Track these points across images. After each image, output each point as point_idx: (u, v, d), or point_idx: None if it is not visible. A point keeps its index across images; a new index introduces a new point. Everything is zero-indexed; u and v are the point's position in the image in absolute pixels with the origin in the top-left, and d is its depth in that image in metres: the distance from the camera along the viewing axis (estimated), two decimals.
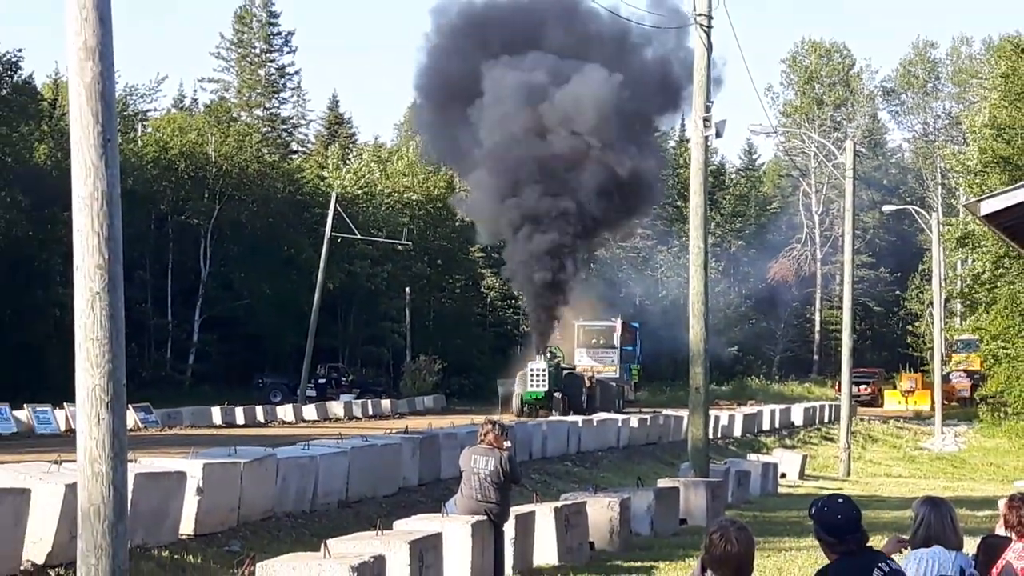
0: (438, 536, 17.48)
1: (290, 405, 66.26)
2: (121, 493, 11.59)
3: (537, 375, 66.00)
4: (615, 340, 79.01)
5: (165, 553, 19.55)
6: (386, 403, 72.23)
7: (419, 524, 18.47)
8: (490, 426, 19.03)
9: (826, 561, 9.25)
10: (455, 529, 18.43)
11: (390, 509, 22.96)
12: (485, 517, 18.67)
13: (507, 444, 18.58)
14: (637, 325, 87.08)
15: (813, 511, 9.13)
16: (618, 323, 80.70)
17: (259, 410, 61.26)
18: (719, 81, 57.81)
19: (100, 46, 11.48)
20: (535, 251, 70.27)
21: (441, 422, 43.84)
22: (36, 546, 17.71)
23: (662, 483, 29.82)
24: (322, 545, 15.56)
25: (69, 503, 16.40)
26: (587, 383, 69.57)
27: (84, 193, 11.49)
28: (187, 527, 20.89)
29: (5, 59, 77.65)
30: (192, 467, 21.61)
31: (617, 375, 76.83)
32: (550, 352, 70.77)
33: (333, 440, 29.93)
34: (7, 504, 17.25)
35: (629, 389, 79.57)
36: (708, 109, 31.21)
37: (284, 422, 60.34)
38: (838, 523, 8.87)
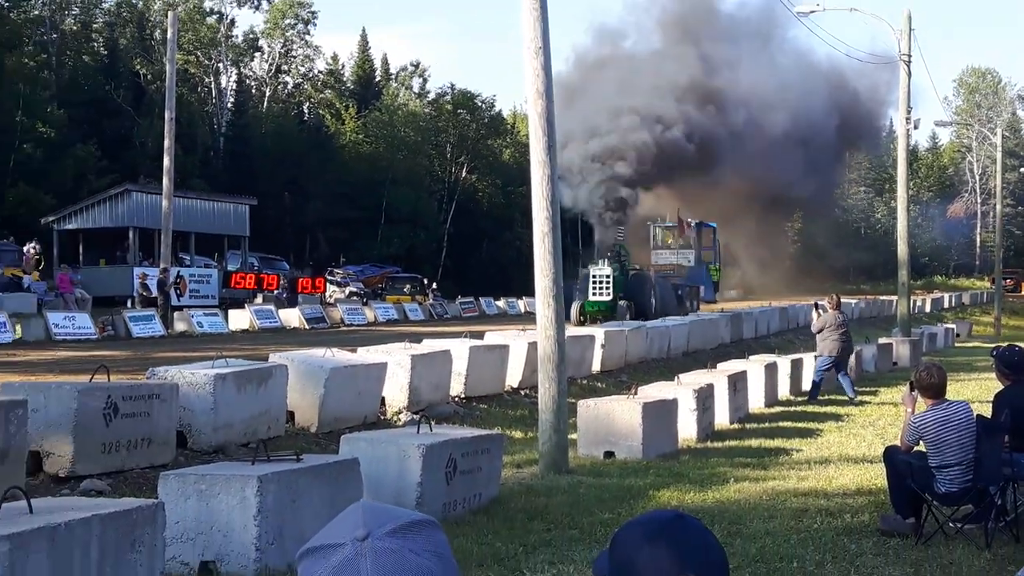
0: (744, 372, 17.36)
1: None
2: (561, 347, 11.85)
3: (600, 282, 37.55)
4: (691, 241, 50.58)
5: (584, 382, 19.95)
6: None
7: (732, 365, 18.35)
8: (836, 297, 19.77)
9: (996, 388, 9.03)
10: (755, 367, 18.30)
11: (713, 357, 22.84)
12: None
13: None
14: (714, 225, 54.24)
15: (996, 352, 9.07)
16: (691, 223, 51.94)
17: None
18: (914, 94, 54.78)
19: (546, 89, 11.68)
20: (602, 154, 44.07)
21: (741, 305, 43.27)
22: (511, 377, 18.26)
23: (882, 340, 28.92)
24: (676, 377, 15.63)
25: (531, 353, 16.83)
26: (654, 284, 40.02)
27: (537, 177, 11.73)
28: (596, 367, 21.25)
29: (486, 100, 79.16)
30: (598, 333, 22.01)
31: (674, 274, 46.30)
32: (616, 251, 40.68)
33: (679, 316, 30.25)
34: (496, 354, 17.84)
35: (707, 290, 48.85)
36: (909, 111, 31.17)
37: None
38: (1014, 361, 8.80)
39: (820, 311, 19.38)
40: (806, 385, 20.88)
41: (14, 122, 50.60)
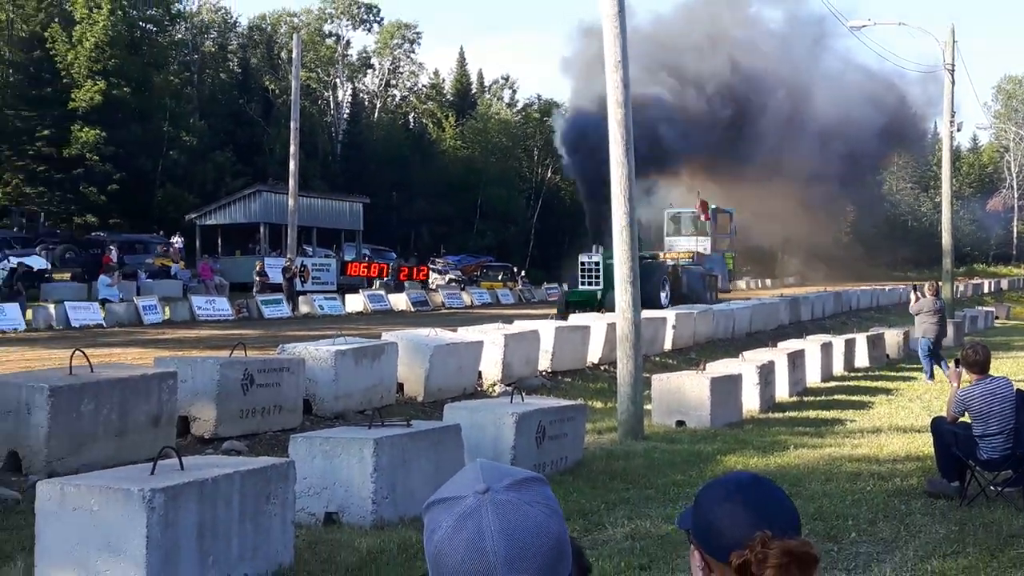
0: (802, 350, 17.11)
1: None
2: (638, 328, 11.80)
3: (590, 271, 29.56)
4: (707, 227, 41.80)
5: (657, 359, 19.76)
6: (768, 281, 69.19)
7: (791, 344, 18.10)
8: (935, 284, 18.94)
9: None
10: (812, 346, 18.01)
11: (774, 336, 22.53)
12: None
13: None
14: (732, 211, 45.06)
15: None
16: (702, 208, 42.88)
17: None
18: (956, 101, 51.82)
19: (624, 99, 11.59)
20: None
21: (799, 290, 42.45)
22: (592, 354, 18.20)
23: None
24: (740, 355, 15.47)
25: (610, 333, 16.78)
26: (669, 273, 32.19)
27: (616, 176, 11.67)
28: (667, 345, 21.05)
29: (569, 108, 78.51)
30: (670, 315, 21.82)
31: (695, 262, 37.69)
32: None
33: (742, 300, 29.82)
34: (578, 334, 17.80)
35: (723, 278, 39.83)
36: (953, 116, 30.21)
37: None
38: None
39: (918, 295, 18.60)
40: (859, 362, 20.55)
41: (162, 132, 51.80)
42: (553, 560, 1.23)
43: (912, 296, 19.00)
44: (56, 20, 51.21)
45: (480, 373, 14.89)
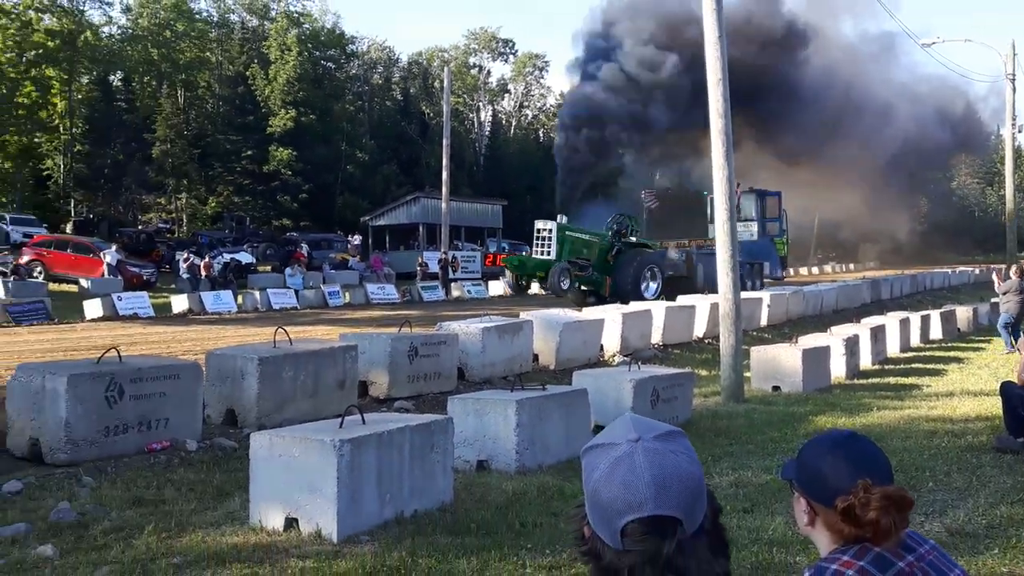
0: (883, 325, 16.45)
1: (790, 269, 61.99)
2: (738, 307, 11.55)
3: (544, 238, 22.85)
4: (752, 211, 31.44)
5: (754, 333, 19.17)
6: (851, 266, 65.70)
7: (873, 320, 17.38)
8: (1020, 267, 16.75)
9: None
10: (892, 321, 17.29)
11: (857, 313, 21.66)
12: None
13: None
14: (779, 193, 34.02)
15: None
16: (747, 188, 31.11)
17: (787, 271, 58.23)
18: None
19: (724, 111, 11.33)
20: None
21: (879, 273, 40.70)
22: (697, 329, 17.87)
23: (994, 300, 26.60)
24: (828, 329, 14.98)
25: (713, 312, 16.49)
26: (660, 264, 24.52)
27: (718, 178, 11.44)
28: (763, 322, 20.46)
29: None
30: (766, 296, 21.25)
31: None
32: (619, 219, 25.65)
33: (829, 283, 28.78)
34: (686, 312, 17.51)
35: (773, 264, 31.78)
36: (1014, 117, 28.57)
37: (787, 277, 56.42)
38: None
39: (1004, 276, 17.34)
40: (934, 335, 19.63)
41: (341, 151, 53.28)
42: (692, 498, 1.24)
43: (995, 278, 17.80)
44: (255, 61, 53.18)
45: (602, 346, 14.84)
